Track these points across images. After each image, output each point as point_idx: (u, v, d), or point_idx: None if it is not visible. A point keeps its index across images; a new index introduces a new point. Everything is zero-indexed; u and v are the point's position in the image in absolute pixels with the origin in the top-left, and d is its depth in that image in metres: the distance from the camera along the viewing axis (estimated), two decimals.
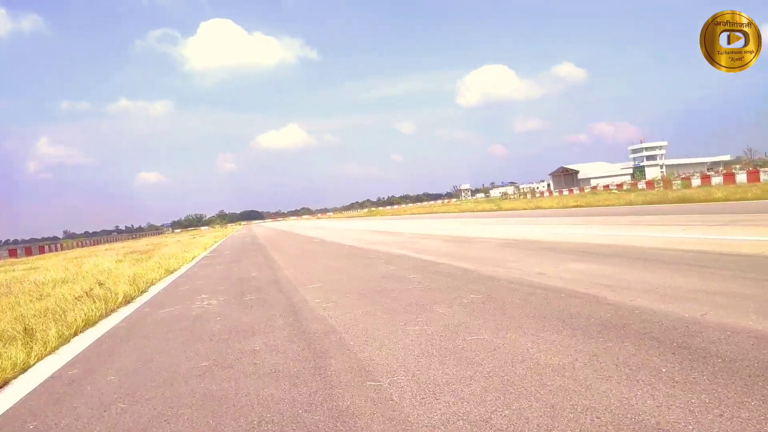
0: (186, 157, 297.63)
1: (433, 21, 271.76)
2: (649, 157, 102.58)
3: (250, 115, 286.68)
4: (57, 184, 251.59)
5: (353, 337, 4.05)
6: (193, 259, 16.28)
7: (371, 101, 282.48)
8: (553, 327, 3.65)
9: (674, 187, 41.04)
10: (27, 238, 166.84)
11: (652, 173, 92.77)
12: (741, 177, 34.92)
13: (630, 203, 20.12)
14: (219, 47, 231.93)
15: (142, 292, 8.80)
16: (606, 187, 65.74)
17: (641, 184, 52.41)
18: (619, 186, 64.52)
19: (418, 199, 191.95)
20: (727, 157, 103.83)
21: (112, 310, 7.04)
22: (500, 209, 29.47)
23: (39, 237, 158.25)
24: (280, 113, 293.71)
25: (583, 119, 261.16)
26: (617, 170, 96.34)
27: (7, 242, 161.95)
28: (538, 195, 70.89)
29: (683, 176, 52.16)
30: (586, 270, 5.85)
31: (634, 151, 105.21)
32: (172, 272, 12.19)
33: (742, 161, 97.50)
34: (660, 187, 42.49)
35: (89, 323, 6.13)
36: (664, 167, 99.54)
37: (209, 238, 31.42)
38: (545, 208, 25.12)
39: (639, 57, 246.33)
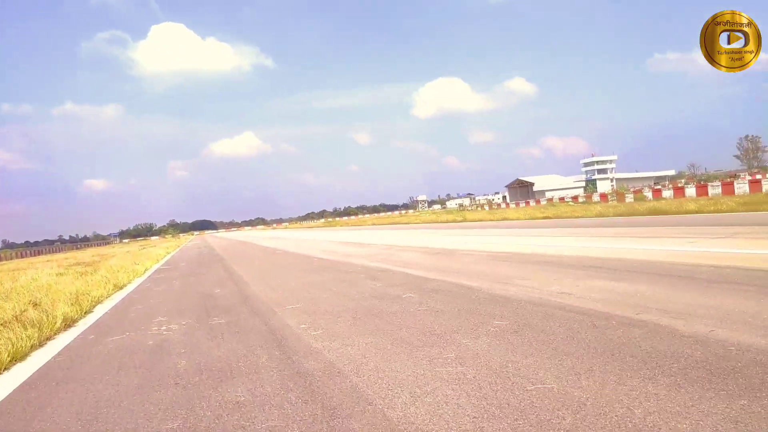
0: (135, 164, 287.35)
1: (389, 33, 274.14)
2: (600, 171, 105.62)
3: (202, 122, 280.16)
4: None
5: (370, 383, 3.10)
6: (145, 272, 14.86)
7: (328, 111, 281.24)
8: (636, 370, 2.82)
9: (626, 200, 42.02)
10: None
11: (603, 186, 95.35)
12: (690, 191, 35.98)
13: (600, 215, 19.91)
14: (171, 52, 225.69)
15: (86, 313, 7.54)
16: (561, 199, 66.88)
17: (596, 197, 53.46)
18: (575, 198, 65.70)
19: (375, 210, 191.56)
20: (671, 172, 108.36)
21: (49, 338, 5.81)
22: (465, 220, 29.00)
23: None
24: (234, 121, 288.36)
25: (534, 133, 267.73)
26: (570, 183, 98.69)
27: None
28: (495, 206, 71.43)
29: (635, 189, 53.51)
30: (616, 289, 5.10)
31: (586, 164, 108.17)
32: (121, 288, 10.85)
33: (685, 176, 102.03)
34: (614, 199, 43.25)
35: (17, 357, 4.93)
36: (614, 180, 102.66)
37: (161, 249, 29.58)
38: (512, 219, 24.78)
39: (586, 74, 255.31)
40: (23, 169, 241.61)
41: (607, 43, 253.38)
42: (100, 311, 7.72)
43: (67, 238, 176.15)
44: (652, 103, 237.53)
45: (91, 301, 8.33)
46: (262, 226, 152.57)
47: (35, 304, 7.20)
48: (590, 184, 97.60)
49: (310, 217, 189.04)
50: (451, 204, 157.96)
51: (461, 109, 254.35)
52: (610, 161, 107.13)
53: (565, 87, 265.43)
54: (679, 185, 51.25)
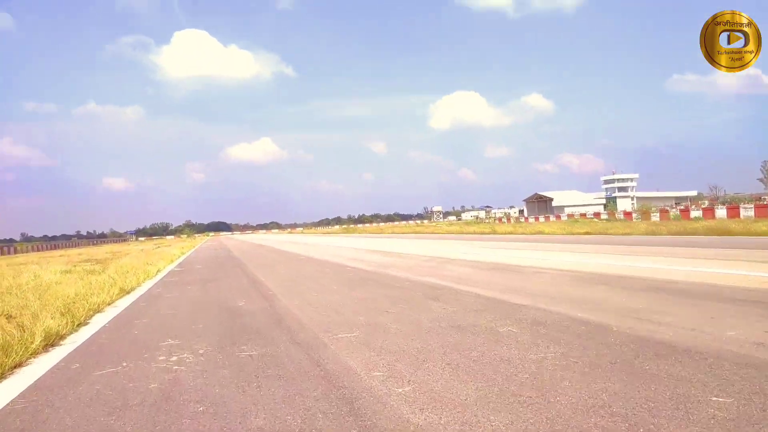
0: (154, 165, 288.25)
1: (408, 45, 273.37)
2: (620, 188, 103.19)
3: (221, 126, 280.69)
4: (18, 184, 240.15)
5: None
6: (156, 273, 13.36)
7: (344, 120, 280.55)
8: None
9: (652, 219, 40.09)
10: None
11: (623, 204, 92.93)
12: (721, 212, 34.16)
13: (652, 233, 18.06)
14: (193, 57, 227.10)
15: (78, 325, 5.97)
16: (583, 215, 64.77)
17: (619, 215, 51.41)
18: (596, 215, 63.69)
19: (389, 218, 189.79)
20: (693, 193, 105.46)
21: (17, 365, 4.24)
22: (495, 233, 27.22)
23: None
24: (252, 126, 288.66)
25: (549, 149, 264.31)
26: (590, 199, 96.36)
27: None
28: (514, 220, 69.44)
29: (661, 209, 51.35)
30: None
31: (607, 181, 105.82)
32: (128, 292, 9.31)
33: (707, 197, 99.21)
34: (639, 218, 41.20)
35: None
36: (634, 199, 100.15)
37: (176, 249, 28.20)
38: (547, 233, 22.98)
39: (604, 93, 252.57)
40: (45, 165, 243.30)
41: (626, 63, 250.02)
42: (98, 323, 6.16)
43: (84, 234, 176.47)
44: (669, 124, 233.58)
45: (88, 308, 6.77)
46: (276, 230, 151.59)
47: (9, 317, 5.61)
48: (610, 202, 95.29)
49: (324, 223, 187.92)
50: (466, 216, 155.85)
51: (477, 122, 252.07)
52: (631, 179, 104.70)
53: (582, 105, 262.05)
54: (706, 206, 49.21)
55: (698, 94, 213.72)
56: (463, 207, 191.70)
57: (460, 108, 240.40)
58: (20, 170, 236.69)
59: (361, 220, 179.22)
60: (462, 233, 31.73)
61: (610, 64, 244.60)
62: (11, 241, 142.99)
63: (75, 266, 16.78)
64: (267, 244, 33.17)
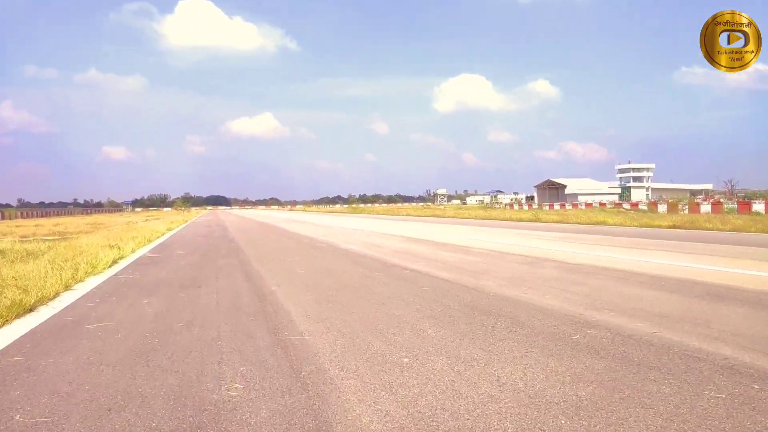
0: (154, 136, 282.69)
1: (414, 26, 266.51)
2: (635, 179, 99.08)
3: (222, 99, 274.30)
4: (17, 149, 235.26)
5: None
6: (118, 261, 9.29)
7: (347, 98, 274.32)
8: None
9: (680, 211, 36.33)
10: None
11: (637, 195, 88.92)
12: (759, 207, 30.35)
13: (738, 229, 14.06)
14: (196, 28, 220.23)
15: None
16: (602, 204, 60.68)
17: (642, 205, 47.40)
18: (618, 204, 59.63)
19: (391, 199, 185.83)
20: (708, 186, 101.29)
21: None
22: (539, 220, 23.04)
23: None
24: (254, 101, 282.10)
25: (554, 136, 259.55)
26: (605, 188, 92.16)
27: None
28: (528, 206, 65.27)
29: (692, 200, 47.14)
30: None
31: (621, 170, 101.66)
32: (45, 303, 5.22)
33: (723, 191, 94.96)
34: (665, 210, 37.13)
35: None
36: (649, 190, 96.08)
37: (164, 224, 24.06)
38: (612, 225, 18.81)
39: (611, 82, 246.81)
40: (45, 132, 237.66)
41: (634, 53, 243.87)
42: None
43: (81, 202, 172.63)
44: (676, 116, 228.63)
45: None
46: (276, 207, 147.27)
47: None
48: (625, 191, 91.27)
49: (324, 201, 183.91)
50: (471, 200, 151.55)
51: (482, 106, 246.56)
52: (647, 169, 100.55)
53: (588, 93, 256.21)
54: (739, 200, 45.23)
55: (705, 87, 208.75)
56: (466, 191, 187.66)
57: (466, 91, 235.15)
58: (20, 135, 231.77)
59: (363, 200, 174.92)
60: (494, 218, 27.65)
61: (618, 53, 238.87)
62: (8, 206, 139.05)
63: (24, 242, 12.74)
64: (269, 221, 29.04)
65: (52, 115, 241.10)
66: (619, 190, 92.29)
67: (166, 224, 23.54)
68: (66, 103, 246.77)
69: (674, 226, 15.99)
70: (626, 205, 57.47)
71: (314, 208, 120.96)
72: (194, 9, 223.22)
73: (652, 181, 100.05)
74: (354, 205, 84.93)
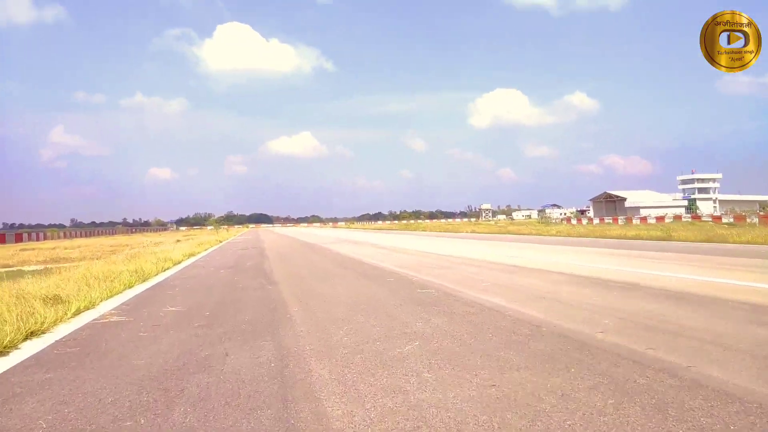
0: (197, 157, 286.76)
1: (448, 42, 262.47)
2: (700, 190, 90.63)
3: (262, 119, 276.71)
4: (69, 172, 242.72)
5: None
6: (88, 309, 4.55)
7: (383, 116, 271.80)
8: None
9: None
10: (34, 223, 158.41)
11: (705, 207, 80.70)
12: None
13: None
14: (235, 51, 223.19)
15: None
16: (678, 217, 53.76)
17: (726, 218, 40.67)
18: (696, 217, 52.60)
19: (432, 216, 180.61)
20: None
21: None
22: (671, 238, 17.36)
23: (46, 223, 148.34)
24: (292, 120, 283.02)
25: (593, 150, 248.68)
26: (669, 200, 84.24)
27: (12, 226, 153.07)
28: (594, 221, 58.62)
29: (763, 214, 40.03)
30: None
31: (684, 181, 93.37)
32: None
33: None
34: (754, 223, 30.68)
35: None
36: (716, 201, 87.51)
37: (190, 246, 19.57)
38: (737, 242, 13.21)
39: (651, 93, 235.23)
40: (94, 155, 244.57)
41: (674, 63, 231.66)
42: None
43: (130, 221, 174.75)
44: (720, 127, 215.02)
45: None
46: (318, 224, 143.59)
47: None
48: (692, 204, 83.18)
49: (365, 218, 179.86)
50: (518, 215, 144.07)
51: (518, 121, 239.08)
52: (713, 180, 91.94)
53: (628, 105, 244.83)
54: None
55: (749, 95, 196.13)
56: (509, 206, 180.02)
57: (501, 106, 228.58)
58: (72, 158, 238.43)
59: (403, 216, 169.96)
60: (581, 236, 22.12)
61: (657, 64, 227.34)
62: (62, 225, 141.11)
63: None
64: (316, 241, 24.23)
65: (101, 138, 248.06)
66: (684, 203, 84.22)
67: (192, 247, 19.04)
68: (114, 127, 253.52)
69: None
70: (706, 218, 50.55)
71: (358, 224, 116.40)
72: (232, 32, 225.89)
73: (719, 193, 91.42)
74: (406, 222, 78.73)
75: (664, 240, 17.06)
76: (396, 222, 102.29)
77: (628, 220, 56.90)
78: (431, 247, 17.49)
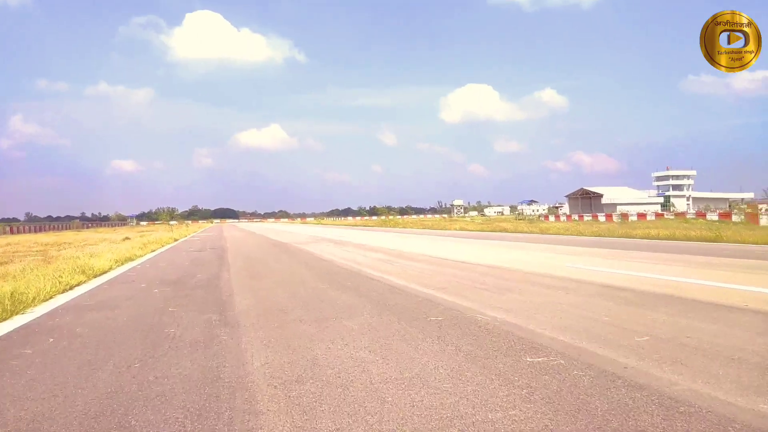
0: (163, 149, 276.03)
1: (420, 36, 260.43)
2: (675, 186, 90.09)
3: (231, 111, 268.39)
4: (27, 163, 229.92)
5: None
6: None
7: (355, 109, 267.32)
8: None
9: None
10: None
11: (679, 204, 79.90)
12: None
13: None
14: (204, 40, 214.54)
15: None
16: (660, 215, 51.87)
17: (713, 215, 38.73)
18: (680, 215, 50.74)
19: (403, 211, 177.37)
20: (749, 195, 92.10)
21: None
22: (721, 239, 14.26)
23: None
24: (262, 112, 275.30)
25: (562, 146, 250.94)
26: (645, 197, 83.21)
27: None
28: (570, 218, 56.23)
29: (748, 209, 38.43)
30: None
31: (659, 178, 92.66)
32: None
33: (765, 201, 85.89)
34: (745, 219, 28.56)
35: None
36: (690, 198, 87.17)
37: (133, 247, 15.48)
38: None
39: (618, 91, 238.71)
40: (55, 144, 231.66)
41: (640, 63, 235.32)
42: None
43: (89, 215, 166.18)
44: (684, 125, 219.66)
45: None
46: (286, 220, 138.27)
47: None
48: (667, 201, 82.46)
49: (335, 213, 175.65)
50: (489, 212, 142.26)
51: (489, 116, 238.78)
52: (688, 176, 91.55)
53: (596, 102, 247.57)
54: None
55: (713, 95, 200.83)
56: (479, 202, 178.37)
57: (472, 101, 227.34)
58: (30, 148, 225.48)
59: (374, 212, 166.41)
60: (578, 234, 19.03)
61: (625, 63, 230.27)
62: (15, 220, 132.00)
63: None
64: (290, 240, 20.31)
65: (62, 128, 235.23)
66: (658, 199, 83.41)
67: (135, 248, 14.93)
68: (76, 116, 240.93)
69: None
70: (651, 216, 49.00)
71: (329, 220, 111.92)
72: (202, 21, 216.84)
73: (692, 190, 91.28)
74: (384, 218, 74.15)
75: (717, 241, 13.96)
76: (370, 218, 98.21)
77: (608, 217, 54.83)
78: (435, 249, 13.90)
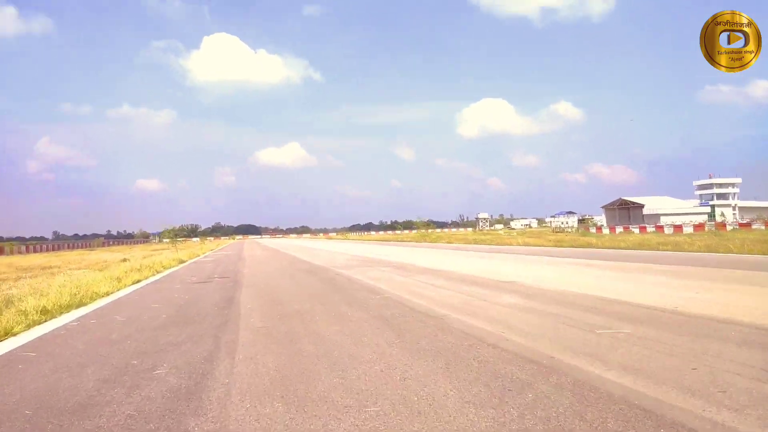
0: (185, 168, 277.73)
1: (435, 52, 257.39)
2: (719, 195, 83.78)
3: (250, 130, 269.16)
4: (54, 184, 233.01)
5: None
6: None
7: (372, 126, 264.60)
8: None
9: None
10: (15, 236, 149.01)
11: (726, 214, 73.98)
12: None
13: None
14: (222, 62, 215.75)
15: None
16: (678, 227, 46.71)
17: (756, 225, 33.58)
18: (747, 225, 45.54)
19: (426, 225, 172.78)
20: None
21: None
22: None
23: (28, 236, 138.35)
24: (281, 131, 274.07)
25: (579, 159, 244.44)
26: (689, 207, 77.30)
27: None
28: (599, 231, 51.26)
29: None
30: None
31: (701, 186, 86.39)
32: None
33: None
34: None
35: None
36: (736, 208, 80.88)
37: (132, 271, 11.52)
38: None
39: (635, 103, 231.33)
40: (80, 165, 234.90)
41: (657, 73, 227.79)
42: None
43: (115, 233, 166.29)
44: (703, 136, 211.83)
45: None
46: (308, 235, 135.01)
47: None
48: (713, 211, 76.47)
49: (355, 228, 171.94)
50: (516, 224, 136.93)
51: (505, 130, 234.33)
52: (733, 185, 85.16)
53: (612, 114, 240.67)
54: None
55: (731, 104, 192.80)
56: (502, 215, 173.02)
57: (488, 115, 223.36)
58: (59, 170, 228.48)
59: (394, 226, 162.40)
60: (686, 249, 14.56)
61: (641, 74, 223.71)
62: (42, 238, 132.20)
63: None
64: (329, 265, 16.19)
65: (88, 149, 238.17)
66: (703, 209, 77.41)
67: (119, 276, 10.91)
68: (101, 138, 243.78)
69: None
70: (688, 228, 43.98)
71: (353, 235, 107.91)
72: (219, 44, 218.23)
73: (738, 199, 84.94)
74: (422, 231, 68.66)
75: None
76: (403, 233, 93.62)
77: (659, 228, 49.77)
78: (567, 278, 9.60)
